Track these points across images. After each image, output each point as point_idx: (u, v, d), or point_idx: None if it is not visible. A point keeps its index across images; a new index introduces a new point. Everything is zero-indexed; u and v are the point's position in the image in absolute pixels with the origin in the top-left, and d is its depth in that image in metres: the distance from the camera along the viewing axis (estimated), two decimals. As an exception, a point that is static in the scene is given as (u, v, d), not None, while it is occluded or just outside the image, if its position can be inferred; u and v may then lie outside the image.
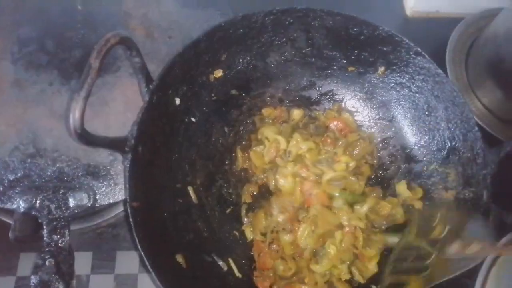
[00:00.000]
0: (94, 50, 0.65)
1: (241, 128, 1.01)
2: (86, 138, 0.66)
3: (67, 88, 0.95)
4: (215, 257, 0.88)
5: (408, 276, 0.76)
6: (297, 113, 1.01)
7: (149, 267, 0.72)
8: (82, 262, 1.01)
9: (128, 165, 0.74)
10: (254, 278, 0.88)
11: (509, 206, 0.82)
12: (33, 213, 0.86)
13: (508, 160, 0.83)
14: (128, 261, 1.02)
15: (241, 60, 0.96)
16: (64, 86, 0.96)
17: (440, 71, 0.90)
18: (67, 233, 0.86)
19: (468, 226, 0.71)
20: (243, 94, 1.00)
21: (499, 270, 0.87)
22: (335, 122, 1.00)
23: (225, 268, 0.88)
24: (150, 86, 0.79)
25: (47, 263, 0.83)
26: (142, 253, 0.71)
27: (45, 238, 0.85)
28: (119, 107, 0.96)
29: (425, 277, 0.72)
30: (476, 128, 0.86)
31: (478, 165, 0.85)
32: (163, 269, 0.74)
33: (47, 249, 0.84)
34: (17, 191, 0.87)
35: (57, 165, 0.91)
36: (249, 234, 0.93)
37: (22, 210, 0.85)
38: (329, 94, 1.04)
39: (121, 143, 0.75)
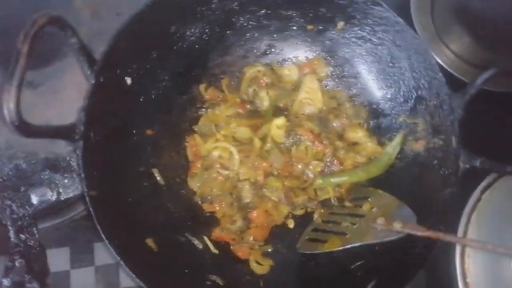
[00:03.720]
0: (21, 34, 0.61)
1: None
2: (26, 129, 0.62)
3: (12, 81, 0.90)
4: (189, 237, 0.87)
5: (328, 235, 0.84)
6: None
7: (116, 255, 0.70)
8: (60, 258, 0.99)
9: (80, 154, 0.71)
10: (232, 247, 0.87)
11: (478, 150, 0.80)
12: (-6, 215, 0.83)
13: (473, 103, 0.81)
14: (107, 251, 0.99)
15: (193, 30, 0.91)
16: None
17: (399, 19, 0.87)
18: (35, 231, 0.83)
19: (395, 211, 0.80)
20: (200, 66, 0.96)
21: (479, 215, 0.87)
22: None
23: (201, 246, 0.86)
24: (94, 67, 0.74)
25: (17, 264, 0.81)
26: (106, 242, 0.69)
27: (12, 239, 0.82)
28: (72, 94, 0.91)
29: (343, 239, 0.81)
30: (440, 74, 0.84)
31: (445, 111, 0.83)
32: (132, 256, 0.72)
33: (15, 249, 0.81)
34: (-27, 195, 0.83)
35: (14, 162, 0.87)
36: None
37: (-19, 214, 0.82)
38: (291, 56, 1.01)
39: (69, 130, 0.71)
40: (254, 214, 0.89)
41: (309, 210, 0.93)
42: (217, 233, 0.89)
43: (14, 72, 0.59)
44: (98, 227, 0.69)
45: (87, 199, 0.70)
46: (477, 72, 1.10)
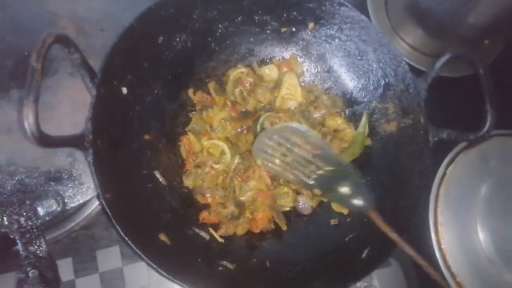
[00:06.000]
0: (34, 53, 0.65)
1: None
2: (45, 140, 0.66)
3: (7, 100, 0.93)
4: (196, 230, 0.92)
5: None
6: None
7: (136, 250, 0.74)
8: (64, 269, 1.00)
9: (91, 160, 0.76)
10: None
11: (443, 124, 0.91)
12: (3, 230, 0.85)
13: (435, 85, 0.93)
14: (110, 257, 1.03)
15: (178, 40, 0.98)
16: (3, 99, 0.93)
17: (363, 17, 0.98)
18: (43, 242, 0.86)
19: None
20: (187, 72, 1.02)
21: (446, 188, 0.98)
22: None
23: (207, 238, 0.92)
24: (95, 79, 0.79)
25: (30, 274, 0.83)
26: (126, 238, 0.74)
27: (21, 252, 0.84)
28: (67, 109, 0.95)
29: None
30: (404, 62, 0.95)
31: (411, 94, 0.94)
32: (150, 250, 0.77)
33: (26, 262, 0.84)
34: (-21, 213, 0.85)
35: (16, 178, 0.90)
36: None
37: (-10, 230, 0.84)
38: (269, 57, 1.10)
39: (80, 139, 0.75)
40: (260, 216, 0.96)
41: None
42: (204, 214, 0.94)
43: (31, 88, 0.64)
44: (116, 225, 0.74)
45: (103, 202, 0.75)
46: (430, 60, 1.25)
